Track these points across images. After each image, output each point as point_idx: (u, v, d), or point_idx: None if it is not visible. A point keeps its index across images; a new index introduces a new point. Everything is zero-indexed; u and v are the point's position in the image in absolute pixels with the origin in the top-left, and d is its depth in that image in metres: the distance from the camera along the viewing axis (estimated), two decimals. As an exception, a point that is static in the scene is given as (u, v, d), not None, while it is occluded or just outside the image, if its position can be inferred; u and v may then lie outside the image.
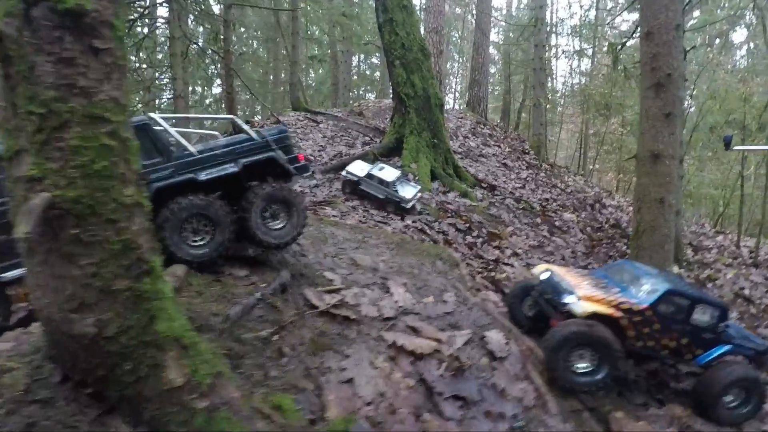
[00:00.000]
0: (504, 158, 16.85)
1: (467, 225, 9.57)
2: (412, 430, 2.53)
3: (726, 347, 3.63)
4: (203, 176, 3.34)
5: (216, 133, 4.33)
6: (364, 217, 8.03)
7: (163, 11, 17.60)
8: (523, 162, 17.55)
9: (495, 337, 3.52)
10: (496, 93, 29.50)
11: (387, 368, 2.97)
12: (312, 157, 11.85)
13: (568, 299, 3.55)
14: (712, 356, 3.61)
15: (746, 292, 10.84)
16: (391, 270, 4.31)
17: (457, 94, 33.25)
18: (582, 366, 3.34)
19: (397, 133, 12.08)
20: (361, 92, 31.18)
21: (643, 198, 6.63)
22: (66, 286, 1.69)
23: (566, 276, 3.87)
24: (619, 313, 3.48)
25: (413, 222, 8.36)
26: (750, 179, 19.51)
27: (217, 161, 3.47)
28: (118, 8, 1.75)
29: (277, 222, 3.66)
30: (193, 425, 1.87)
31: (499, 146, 18.23)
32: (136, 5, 16.19)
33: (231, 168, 3.45)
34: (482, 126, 19.81)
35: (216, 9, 18.43)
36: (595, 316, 3.44)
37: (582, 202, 15.82)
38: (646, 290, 3.63)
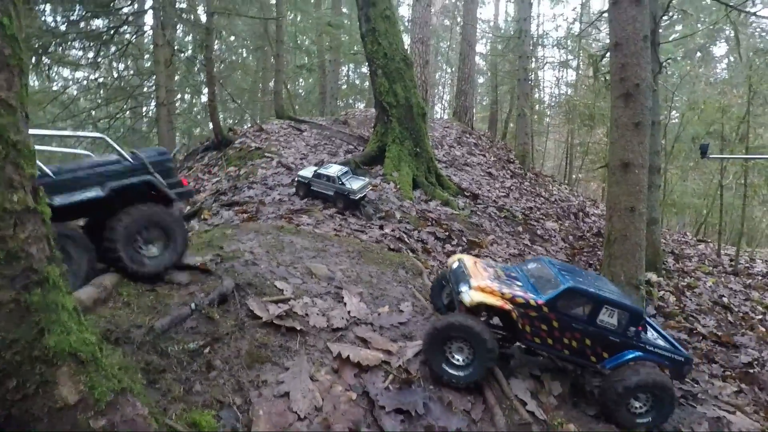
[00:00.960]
0: (489, 167, 16.92)
1: (447, 233, 9.52)
2: (344, 447, 2.43)
3: (636, 353, 3.45)
4: (59, 201, 2.92)
5: (87, 153, 3.87)
6: (340, 225, 7.95)
7: (149, 19, 17.59)
8: (508, 171, 17.63)
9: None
10: (484, 103, 29.76)
11: (328, 381, 2.86)
12: (293, 165, 11.79)
13: (462, 288, 3.50)
14: (620, 361, 3.44)
15: (725, 300, 10.91)
16: (348, 279, 4.21)
17: (445, 104, 33.48)
18: (458, 358, 3.29)
19: (379, 142, 12.09)
20: (350, 102, 31.27)
21: (614, 207, 6.63)
22: (-60, 298, 1.58)
23: (472, 266, 3.77)
24: (509, 306, 3.39)
25: (391, 231, 8.29)
26: (731, 189, 19.78)
27: (79, 184, 3.07)
28: (10, 5, 1.67)
29: (153, 248, 3.37)
30: (88, 446, 1.76)
31: (485, 155, 18.32)
32: (120, 13, 16.17)
33: (95, 192, 3.07)
34: (468, 135, 19.91)
35: (204, 18, 18.45)
36: (485, 307, 3.43)
37: (566, 210, 15.90)
38: (549, 287, 3.54)
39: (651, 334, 3.81)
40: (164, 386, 2.28)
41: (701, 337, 8.85)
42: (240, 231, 4.74)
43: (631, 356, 3.44)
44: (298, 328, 3.20)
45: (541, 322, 3.43)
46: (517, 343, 3.76)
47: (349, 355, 3.11)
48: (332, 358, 3.11)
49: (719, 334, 9.07)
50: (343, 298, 3.82)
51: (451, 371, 3.24)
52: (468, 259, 3.95)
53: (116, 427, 1.82)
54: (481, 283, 3.48)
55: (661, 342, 3.70)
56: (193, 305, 2.85)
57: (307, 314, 3.40)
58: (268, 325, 3.12)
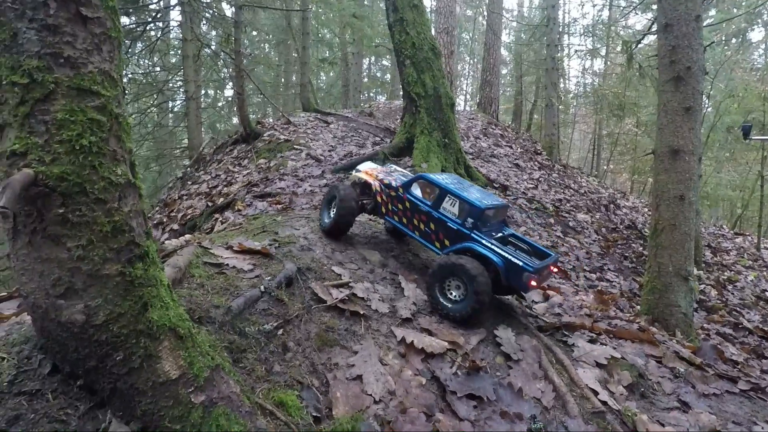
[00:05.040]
0: (516, 159, 16.63)
1: (479, 225, 9.35)
2: (423, 431, 2.38)
3: (467, 244, 3.63)
4: None
5: None
6: (373, 216, 7.91)
7: (176, 15, 17.86)
8: (536, 163, 17.31)
9: (505, 335, 3.35)
10: (507, 94, 29.26)
11: (397, 365, 2.82)
12: (322, 157, 11.80)
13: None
14: (452, 249, 3.70)
15: (768, 294, 10.50)
16: (401, 265, 4.17)
17: (468, 96, 33.08)
18: (329, 214, 4.35)
19: (407, 133, 11.97)
20: (371, 95, 31.19)
21: (662, 195, 6.40)
22: (52, 270, 1.58)
23: (369, 167, 4.71)
24: (375, 183, 4.32)
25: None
26: (769, 180, 18.91)
27: None
28: (110, -24, 1.64)
29: None
30: (189, 420, 1.75)
31: (511, 147, 18.02)
32: (149, 8, 16.41)
33: None
34: (494, 127, 19.61)
35: (228, 12, 18.62)
36: (362, 183, 4.50)
37: (596, 203, 15.53)
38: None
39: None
40: (247, 366, 2.27)
41: (747, 332, 8.53)
42: (290, 218, 4.75)
43: (461, 246, 3.68)
44: (362, 313, 3.17)
45: (398, 202, 4.12)
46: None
47: (413, 341, 3.06)
48: (397, 342, 3.07)
49: (766, 329, 8.73)
50: (399, 284, 3.78)
51: (325, 220, 4.34)
52: (387, 167, 4.93)
53: (216, 403, 1.81)
54: (366, 168, 4.60)
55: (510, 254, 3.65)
56: (262, 287, 2.85)
57: (368, 298, 3.37)
58: (332, 309, 3.10)
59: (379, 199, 4.25)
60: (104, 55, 1.64)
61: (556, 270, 4.02)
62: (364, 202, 4.45)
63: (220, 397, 1.84)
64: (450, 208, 3.80)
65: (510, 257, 3.49)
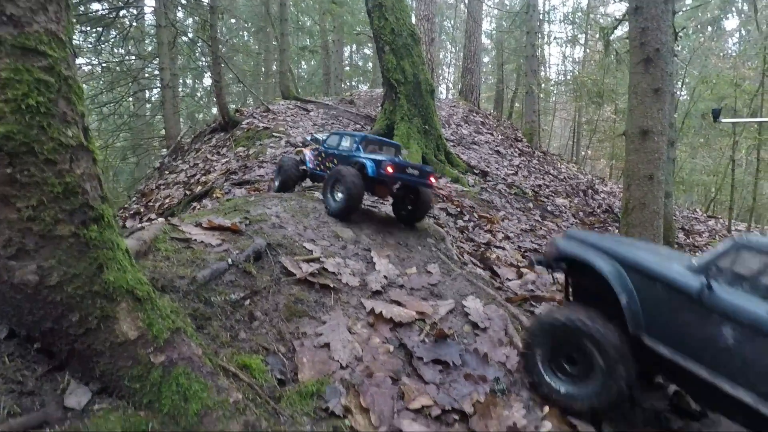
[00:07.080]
0: (497, 145, 16.78)
1: (459, 209, 9.47)
2: (389, 393, 2.45)
3: (353, 160, 4.85)
4: None
5: None
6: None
7: (149, 0, 17.38)
8: (516, 149, 17.49)
9: (474, 305, 3.44)
10: (489, 82, 29.37)
11: (365, 334, 2.88)
12: (301, 144, 11.72)
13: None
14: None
15: (737, 273, 10.89)
16: (374, 242, 4.23)
17: (449, 84, 33.09)
18: (279, 178, 5.81)
19: (387, 120, 11.94)
20: (353, 83, 30.96)
21: (632, 175, 6.57)
22: (2, 231, 1.57)
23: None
24: (306, 150, 5.86)
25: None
26: (741, 165, 19.53)
27: None
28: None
29: None
30: (149, 380, 1.77)
31: (492, 134, 18.15)
32: (121, -5, 15.91)
33: None
34: (475, 114, 19.71)
35: (204, -1, 18.19)
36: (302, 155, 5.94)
37: (575, 188, 15.80)
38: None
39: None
40: (212, 332, 2.30)
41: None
42: (264, 198, 4.76)
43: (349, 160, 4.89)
44: (332, 286, 3.22)
45: (319, 156, 5.54)
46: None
47: (382, 311, 3.13)
48: (366, 313, 3.12)
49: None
50: (371, 259, 3.83)
51: (276, 183, 5.84)
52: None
53: (176, 363, 1.83)
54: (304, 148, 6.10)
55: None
56: (230, 260, 2.86)
57: (339, 273, 3.41)
58: (302, 282, 3.14)
59: (308, 158, 5.70)
60: (50, 15, 1.63)
61: (434, 180, 4.84)
62: (305, 169, 5.74)
63: (181, 357, 1.87)
64: (346, 144, 5.18)
65: (375, 157, 4.66)
